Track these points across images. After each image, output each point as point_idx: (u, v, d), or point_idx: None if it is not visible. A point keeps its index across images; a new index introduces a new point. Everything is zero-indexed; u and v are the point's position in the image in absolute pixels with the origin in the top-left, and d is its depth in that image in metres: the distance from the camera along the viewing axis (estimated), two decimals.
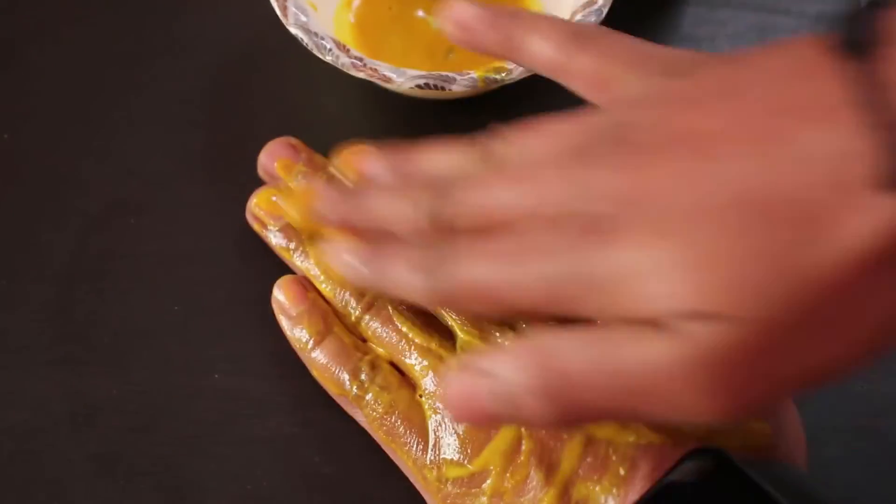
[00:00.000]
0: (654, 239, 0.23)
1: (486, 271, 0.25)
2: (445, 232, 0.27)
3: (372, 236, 0.29)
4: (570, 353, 0.24)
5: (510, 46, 0.30)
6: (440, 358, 0.32)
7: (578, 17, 0.38)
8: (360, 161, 0.32)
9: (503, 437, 0.30)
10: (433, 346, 0.32)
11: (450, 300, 0.27)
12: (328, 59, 0.37)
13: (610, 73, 0.28)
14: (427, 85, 0.36)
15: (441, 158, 0.29)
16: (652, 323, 0.23)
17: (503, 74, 0.37)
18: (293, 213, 0.34)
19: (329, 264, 0.30)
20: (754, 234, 0.22)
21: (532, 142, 0.28)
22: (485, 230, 0.26)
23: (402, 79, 0.36)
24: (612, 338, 0.24)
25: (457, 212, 0.27)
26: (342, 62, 0.37)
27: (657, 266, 0.23)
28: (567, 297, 0.24)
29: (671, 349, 0.23)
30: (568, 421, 0.25)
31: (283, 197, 0.35)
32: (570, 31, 0.29)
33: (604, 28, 0.30)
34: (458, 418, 0.26)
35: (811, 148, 0.22)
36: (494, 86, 0.37)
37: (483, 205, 0.26)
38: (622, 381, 0.23)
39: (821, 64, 0.23)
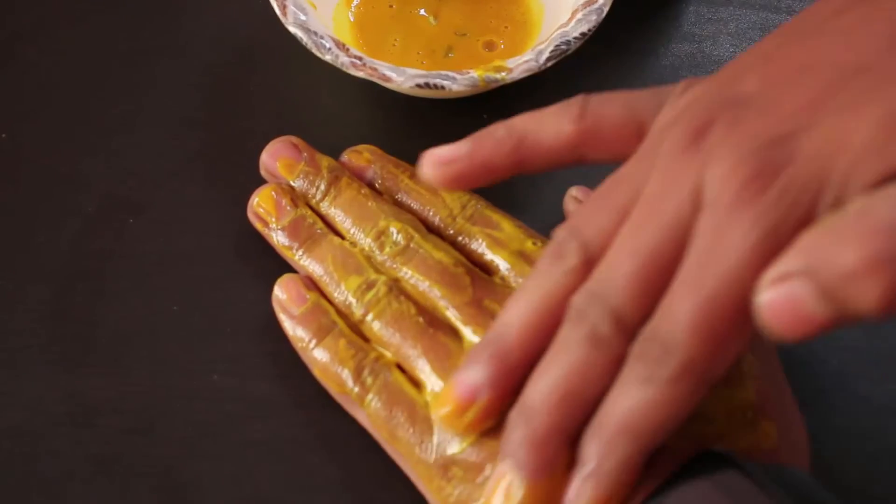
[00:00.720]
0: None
1: None
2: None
3: None
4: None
5: (518, 153, 0.30)
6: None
7: (579, 16, 0.38)
8: (456, 394, 0.29)
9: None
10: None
11: None
12: (327, 58, 0.37)
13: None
14: (427, 84, 0.36)
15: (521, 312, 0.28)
16: None
17: (503, 74, 0.37)
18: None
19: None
20: None
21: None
22: None
23: (402, 78, 0.36)
24: None
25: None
26: (341, 61, 0.37)
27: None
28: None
29: None
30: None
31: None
32: (573, 115, 0.30)
33: (587, 97, 0.30)
34: (786, 337, 0.23)
35: None
36: (494, 86, 0.37)
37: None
38: None
39: None
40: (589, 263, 0.27)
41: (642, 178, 0.27)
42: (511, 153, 0.31)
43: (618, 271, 0.26)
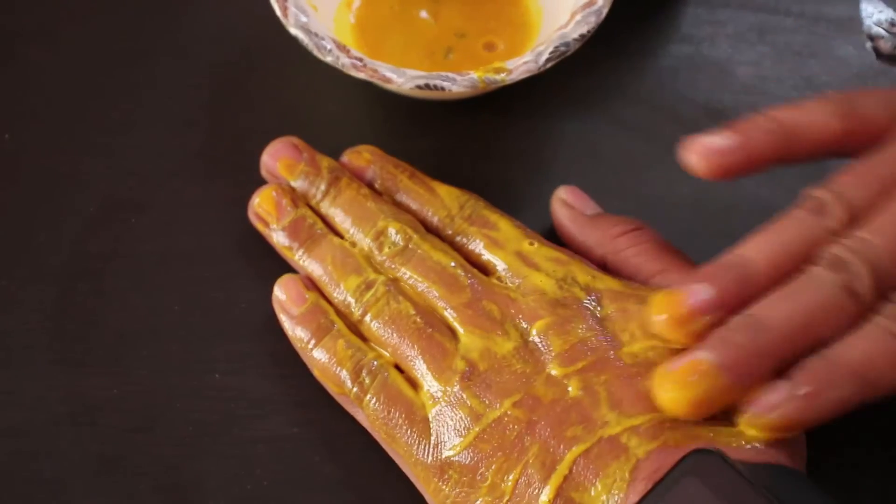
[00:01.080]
0: None
1: None
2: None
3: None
4: None
5: (785, 144, 0.31)
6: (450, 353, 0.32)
7: (578, 17, 0.38)
8: (682, 301, 0.29)
9: (502, 433, 0.30)
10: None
11: None
12: (328, 59, 0.37)
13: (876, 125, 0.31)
14: (427, 85, 0.36)
15: (773, 246, 0.30)
16: None
17: (503, 75, 0.37)
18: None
19: (773, 420, 0.28)
20: None
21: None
22: None
23: (403, 79, 0.36)
24: None
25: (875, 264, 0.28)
26: (342, 63, 0.37)
27: None
28: None
29: None
30: None
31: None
32: (841, 112, 0.31)
33: (851, 93, 0.31)
34: None
35: None
36: (494, 86, 0.37)
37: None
38: None
39: None
40: (848, 224, 0.29)
41: None
42: (778, 144, 0.31)
43: (887, 237, 0.28)
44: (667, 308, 0.29)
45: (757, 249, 0.30)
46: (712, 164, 0.31)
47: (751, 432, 0.29)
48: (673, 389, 0.28)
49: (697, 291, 0.29)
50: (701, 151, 0.31)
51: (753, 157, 0.31)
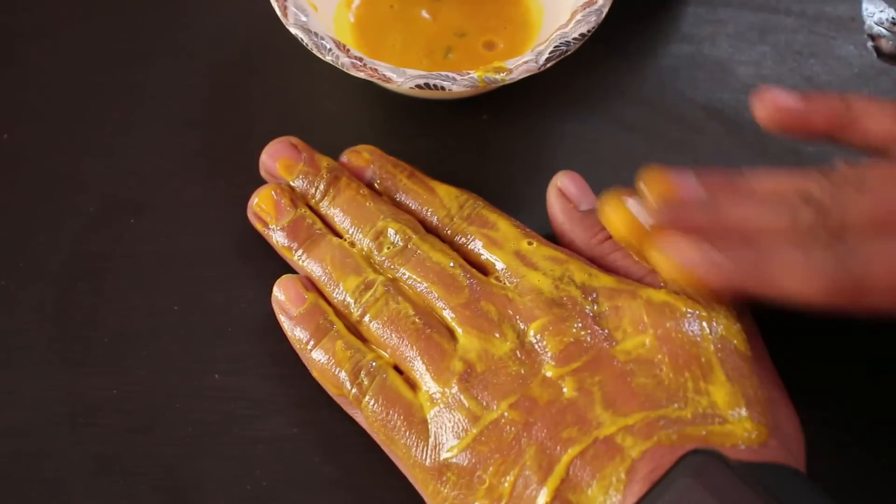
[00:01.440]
0: None
1: None
2: (831, 233, 0.30)
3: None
4: None
5: (840, 126, 0.33)
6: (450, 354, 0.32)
7: (579, 17, 0.38)
8: (672, 181, 0.32)
9: (499, 435, 0.30)
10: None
11: (855, 289, 0.29)
12: (328, 59, 0.37)
13: None
14: (427, 85, 0.36)
15: (779, 178, 0.32)
16: None
17: (503, 74, 0.37)
18: (619, 230, 0.32)
19: (679, 263, 0.31)
20: None
21: (870, 172, 0.31)
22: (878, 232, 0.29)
23: (402, 79, 0.36)
24: None
25: (851, 213, 0.30)
26: (342, 62, 0.37)
27: None
28: None
29: None
30: None
31: (611, 208, 0.33)
32: None
33: None
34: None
35: None
36: (494, 86, 0.37)
37: (873, 206, 0.30)
38: None
39: None
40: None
41: None
42: (836, 124, 0.33)
43: (871, 193, 0.31)
44: (656, 183, 0.32)
45: (759, 180, 0.32)
46: (773, 116, 0.33)
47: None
48: (614, 210, 0.32)
49: (687, 182, 0.32)
50: (768, 102, 0.33)
51: (809, 124, 0.33)
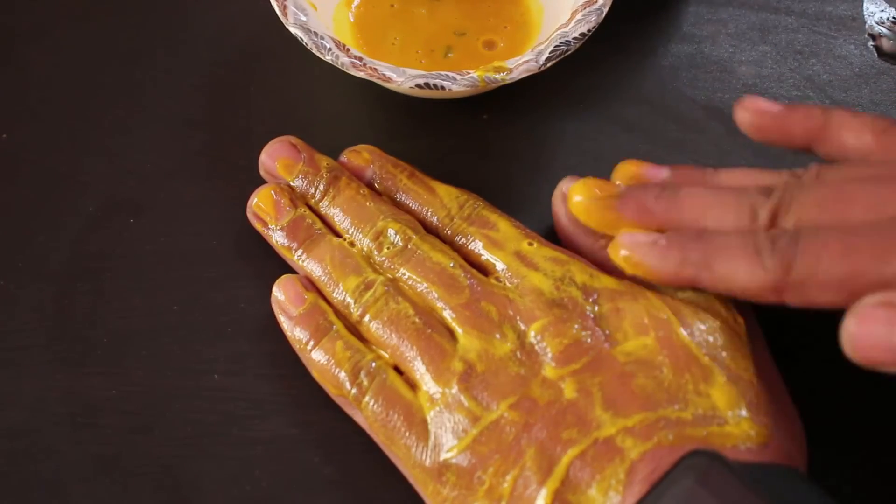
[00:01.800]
0: None
1: (850, 260, 0.28)
2: (783, 229, 0.30)
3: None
4: None
5: (818, 136, 0.33)
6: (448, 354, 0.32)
7: (579, 16, 0.38)
8: (645, 169, 0.35)
9: (499, 436, 0.30)
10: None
11: (800, 285, 0.29)
12: (328, 58, 0.37)
13: None
14: (427, 85, 0.36)
15: (747, 175, 0.33)
16: None
17: (503, 74, 0.37)
18: (582, 200, 0.34)
19: (632, 255, 0.32)
20: None
21: (834, 171, 0.31)
22: (825, 228, 0.29)
23: (402, 78, 0.36)
24: None
25: (802, 210, 0.30)
26: (342, 62, 0.37)
27: None
28: None
29: None
30: None
31: (579, 186, 0.34)
32: (880, 127, 0.32)
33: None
34: (857, 351, 0.27)
35: None
36: (494, 86, 0.37)
37: (825, 202, 0.29)
38: None
39: None
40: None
41: None
42: (812, 133, 0.33)
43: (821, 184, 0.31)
44: (627, 167, 0.35)
45: (727, 175, 0.34)
46: (754, 122, 0.34)
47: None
48: (580, 189, 0.34)
49: (658, 170, 0.34)
50: (750, 109, 0.34)
51: (789, 133, 0.34)
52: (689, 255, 0.31)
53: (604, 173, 0.39)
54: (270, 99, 0.42)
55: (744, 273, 0.30)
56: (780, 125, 0.34)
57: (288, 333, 0.34)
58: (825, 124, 0.33)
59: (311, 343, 0.34)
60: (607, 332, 0.32)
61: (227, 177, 0.39)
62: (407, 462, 0.32)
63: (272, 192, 0.36)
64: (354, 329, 0.34)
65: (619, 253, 0.32)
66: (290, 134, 0.38)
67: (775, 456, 0.29)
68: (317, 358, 0.33)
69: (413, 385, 0.32)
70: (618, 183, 0.34)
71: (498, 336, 0.32)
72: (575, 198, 0.34)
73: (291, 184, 0.37)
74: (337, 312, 0.34)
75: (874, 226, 0.28)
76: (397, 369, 0.33)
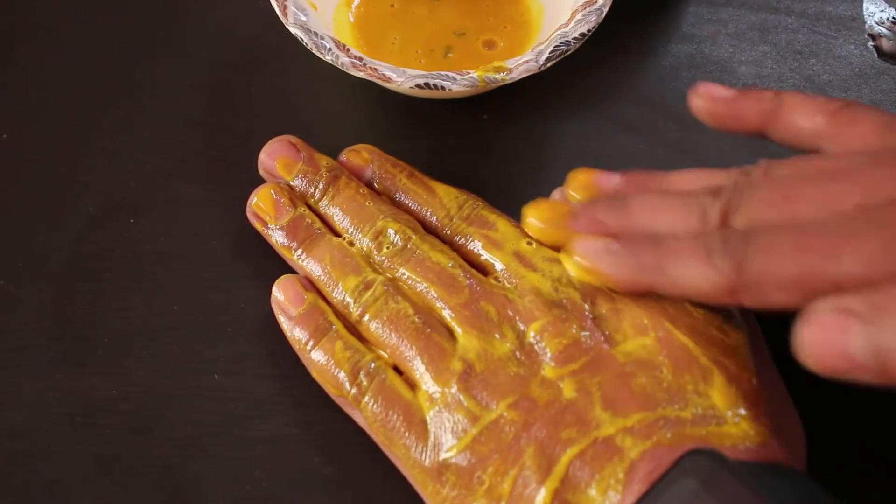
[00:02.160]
0: None
1: (802, 259, 0.27)
2: (734, 229, 0.30)
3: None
4: None
5: (771, 119, 0.33)
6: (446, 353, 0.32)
7: (579, 16, 0.38)
8: (596, 177, 0.34)
9: (498, 435, 0.30)
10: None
11: (753, 285, 0.28)
12: (328, 58, 0.37)
13: (861, 139, 0.31)
14: (427, 85, 0.36)
15: (698, 176, 0.33)
16: None
17: (503, 74, 0.37)
18: (535, 223, 0.34)
19: (585, 262, 0.32)
20: None
21: (783, 167, 0.31)
22: (776, 226, 0.29)
23: (402, 78, 0.36)
24: None
25: (752, 209, 0.29)
26: (342, 62, 0.37)
27: None
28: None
29: None
30: None
31: (531, 209, 0.34)
32: (831, 109, 0.32)
33: (851, 101, 0.32)
34: (812, 358, 0.27)
35: None
36: (494, 85, 0.37)
37: (774, 200, 0.29)
38: None
39: None
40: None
41: None
42: (763, 117, 0.33)
43: (769, 182, 0.31)
44: (579, 176, 0.34)
45: (678, 177, 0.33)
46: (707, 107, 0.33)
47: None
48: (533, 211, 0.34)
49: (607, 179, 0.34)
50: (703, 94, 0.34)
51: (741, 118, 0.33)
52: (643, 259, 0.30)
53: None
54: (270, 99, 0.42)
55: (697, 275, 0.29)
56: (733, 110, 0.33)
57: (287, 333, 0.34)
58: (777, 107, 0.32)
59: (311, 343, 0.34)
60: (606, 332, 0.32)
61: (227, 177, 0.39)
62: (406, 462, 0.32)
63: (272, 192, 0.36)
64: (354, 329, 0.34)
65: (573, 259, 0.32)
66: (290, 134, 0.38)
67: (774, 455, 0.29)
68: (316, 358, 0.33)
69: (412, 385, 0.32)
70: (570, 195, 0.34)
71: (497, 336, 0.32)
72: (529, 220, 0.34)
73: (291, 183, 0.37)
74: (336, 312, 0.34)
75: (824, 223, 0.28)
76: (397, 369, 0.33)
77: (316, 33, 0.37)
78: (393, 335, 0.33)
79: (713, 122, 0.34)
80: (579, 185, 0.34)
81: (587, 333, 0.32)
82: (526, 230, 0.34)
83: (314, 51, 0.37)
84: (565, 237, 0.33)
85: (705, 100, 0.33)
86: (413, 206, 0.37)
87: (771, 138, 0.33)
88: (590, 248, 0.32)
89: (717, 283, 0.29)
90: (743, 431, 0.29)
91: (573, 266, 0.32)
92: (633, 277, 0.31)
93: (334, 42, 0.37)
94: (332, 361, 0.33)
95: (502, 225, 0.35)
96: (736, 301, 0.29)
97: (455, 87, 0.36)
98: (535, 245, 0.34)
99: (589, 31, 0.38)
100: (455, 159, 0.40)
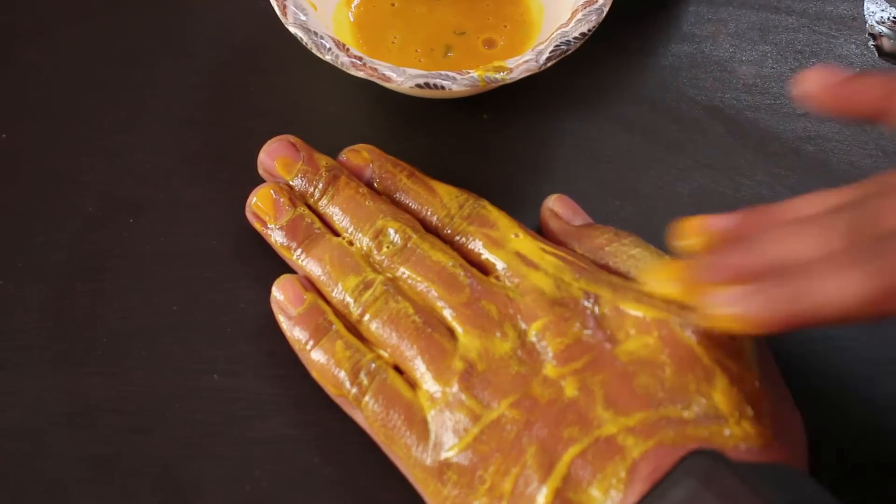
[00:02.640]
0: None
1: None
2: (866, 242, 0.28)
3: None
4: None
5: (886, 106, 0.31)
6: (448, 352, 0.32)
7: (579, 16, 0.38)
8: (709, 222, 0.32)
9: (500, 434, 0.30)
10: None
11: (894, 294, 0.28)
12: (328, 58, 0.37)
13: None
14: (427, 84, 0.36)
15: (813, 200, 0.31)
16: None
17: (503, 73, 0.37)
18: (664, 285, 0.32)
19: (732, 310, 0.29)
20: None
21: None
22: None
23: (402, 78, 0.36)
24: None
25: (882, 217, 0.28)
26: (342, 61, 0.37)
27: None
28: None
29: None
30: None
31: (655, 273, 0.33)
32: None
33: None
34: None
35: None
36: (494, 85, 0.37)
37: None
38: None
39: None
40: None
41: None
42: (880, 103, 0.31)
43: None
44: (693, 234, 0.32)
45: (794, 205, 0.32)
46: (821, 95, 0.32)
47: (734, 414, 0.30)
48: (659, 274, 0.32)
49: (722, 218, 0.32)
50: (819, 81, 0.32)
51: (855, 102, 0.32)
52: (782, 300, 0.29)
53: (604, 173, 0.39)
54: (270, 99, 0.42)
55: (839, 301, 0.28)
56: (847, 98, 0.32)
57: (287, 333, 0.34)
58: (891, 95, 0.31)
59: (311, 343, 0.34)
60: (608, 331, 0.32)
61: (227, 177, 0.39)
62: (407, 461, 0.32)
63: (271, 192, 0.36)
64: (354, 328, 0.34)
65: (724, 311, 0.29)
66: (290, 134, 0.38)
67: (776, 456, 0.29)
68: (316, 358, 0.33)
69: (413, 384, 0.32)
70: (684, 244, 0.32)
71: (498, 335, 0.32)
72: (655, 284, 0.32)
73: (290, 183, 0.37)
74: (336, 312, 0.34)
75: None
76: (397, 369, 0.33)
77: (316, 33, 0.37)
78: (393, 335, 0.33)
79: (821, 107, 0.32)
80: (692, 231, 0.32)
81: (589, 332, 0.32)
82: (660, 293, 0.32)
83: (314, 50, 0.37)
84: (697, 293, 0.31)
85: (817, 85, 0.32)
86: (413, 205, 0.37)
87: (887, 123, 0.32)
88: (733, 296, 0.29)
89: (862, 296, 0.28)
90: (745, 432, 0.29)
91: (716, 319, 0.30)
92: (775, 318, 0.29)
93: (334, 41, 0.37)
94: (333, 361, 0.33)
95: (503, 224, 0.35)
96: (882, 311, 0.28)
97: (455, 87, 0.36)
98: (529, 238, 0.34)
99: (589, 30, 0.38)
100: (455, 159, 0.40)
